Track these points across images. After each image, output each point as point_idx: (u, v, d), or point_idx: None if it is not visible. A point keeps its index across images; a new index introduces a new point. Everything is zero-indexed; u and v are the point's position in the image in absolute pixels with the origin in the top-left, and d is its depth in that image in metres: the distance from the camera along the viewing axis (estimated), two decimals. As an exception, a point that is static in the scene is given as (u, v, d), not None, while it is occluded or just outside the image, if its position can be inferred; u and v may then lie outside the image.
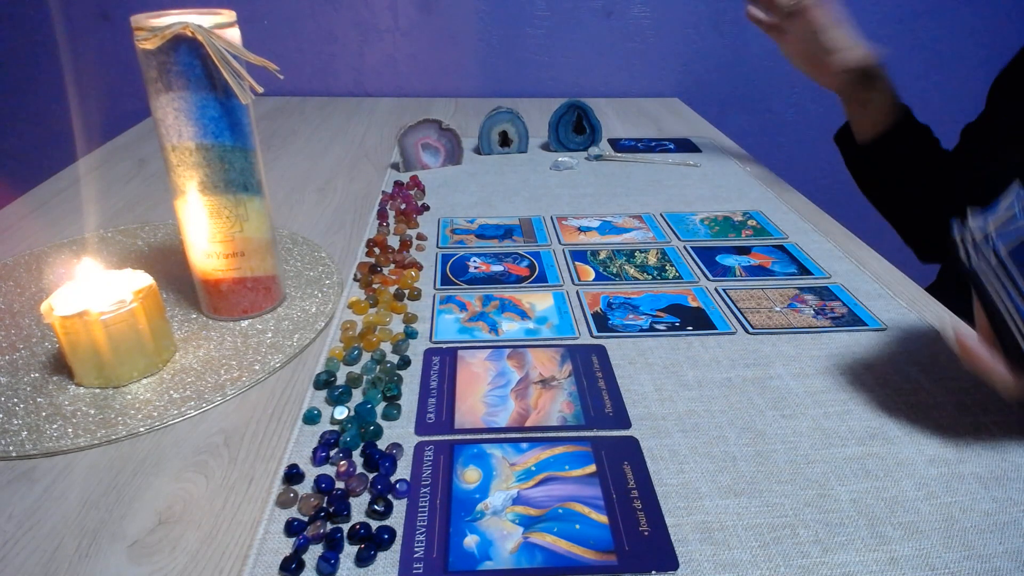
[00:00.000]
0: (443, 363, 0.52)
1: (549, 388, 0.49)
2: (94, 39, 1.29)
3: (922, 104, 0.88)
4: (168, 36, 0.46)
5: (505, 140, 1.00)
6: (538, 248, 0.71)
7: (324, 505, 0.39)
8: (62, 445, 0.43)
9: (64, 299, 0.47)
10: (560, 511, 0.39)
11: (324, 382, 0.49)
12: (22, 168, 1.37)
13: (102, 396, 0.48)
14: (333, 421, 0.46)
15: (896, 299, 0.61)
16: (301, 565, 0.35)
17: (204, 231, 0.53)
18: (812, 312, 0.59)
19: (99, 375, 0.48)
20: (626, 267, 0.67)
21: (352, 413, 0.46)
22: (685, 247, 0.71)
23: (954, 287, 0.73)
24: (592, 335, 0.56)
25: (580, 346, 0.54)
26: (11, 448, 0.43)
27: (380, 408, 0.47)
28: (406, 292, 0.61)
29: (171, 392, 0.48)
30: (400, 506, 0.39)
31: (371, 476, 0.41)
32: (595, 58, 1.37)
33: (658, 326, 0.57)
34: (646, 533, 0.37)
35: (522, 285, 0.63)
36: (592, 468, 0.42)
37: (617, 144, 1.06)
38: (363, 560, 0.35)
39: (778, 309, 0.59)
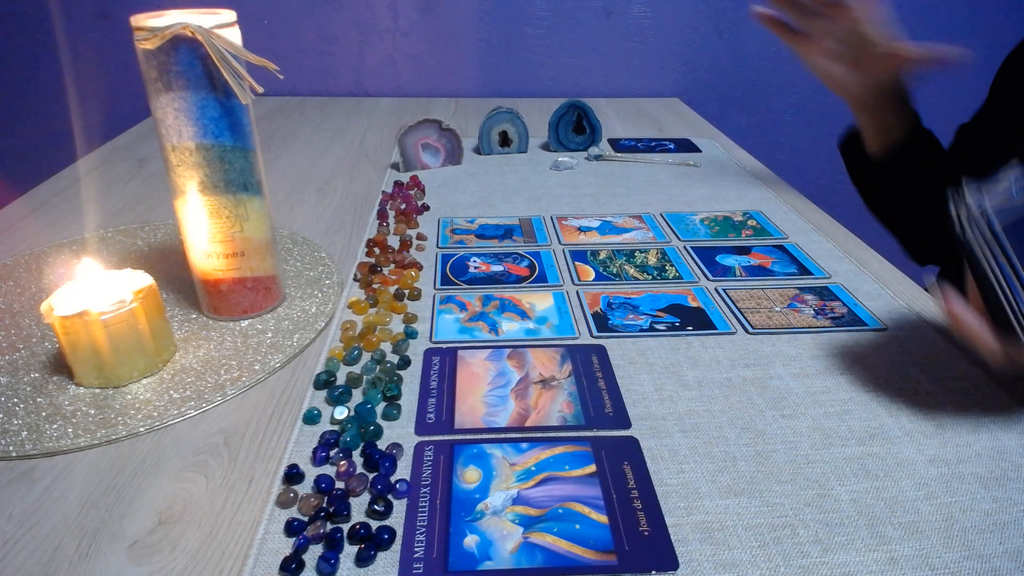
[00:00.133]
0: (443, 363, 0.52)
1: (549, 388, 0.49)
2: (93, 39, 1.29)
3: (922, 104, 0.88)
4: (168, 36, 0.46)
5: (505, 140, 1.00)
6: (538, 248, 0.71)
7: (324, 505, 0.39)
8: (62, 445, 0.43)
9: (64, 299, 0.47)
10: (560, 511, 0.39)
11: (324, 382, 0.49)
12: (22, 168, 1.37)
13: (102, 396, 0.48)
14: (333, 421, 0.46)
15: (896, 299, 0.61)
16: (301, 565, 0.35)
17: (204, 231, 0.53)
18: (812, 312, 0.59)
19: (99, 375, 0.48)
20: (626, 267, 0.67)
21: (352, 413, 0.46)
22: (685, 247, 0.71)
23: (953, 285, 0.73)
24: (592, 335, 0.56)
25: (580, 346, 0.54)
26: (11, 448, 0.43)
27: (380, 408, 0.47)
28: (406, 292, 0.61)
29: (171, 392, 0.48)
30: (400, 506, 0.39)
31: (371, 476, 0.41)
32: (595, 58, 1.37)
33: (658, 326, 0.57)
34: (646, 533, 0.37)
35: (522, 285, 0.63)
36: (592, 468, 0.42)
37: (617, 144, 1.06)
38: (363, 560, 0.35)
39: (778, 309, 0.59)
